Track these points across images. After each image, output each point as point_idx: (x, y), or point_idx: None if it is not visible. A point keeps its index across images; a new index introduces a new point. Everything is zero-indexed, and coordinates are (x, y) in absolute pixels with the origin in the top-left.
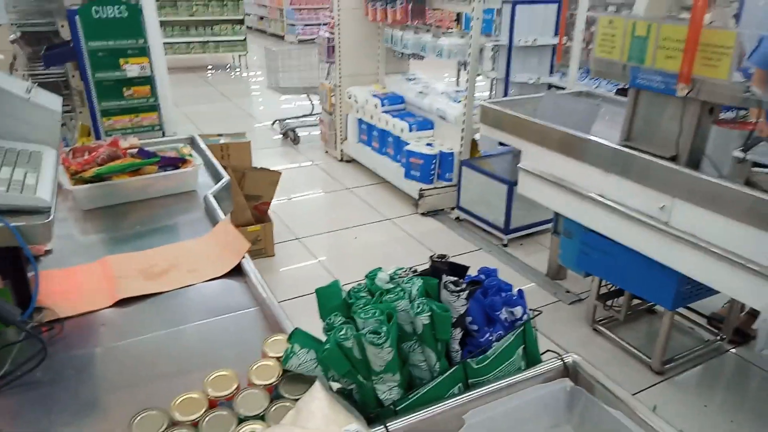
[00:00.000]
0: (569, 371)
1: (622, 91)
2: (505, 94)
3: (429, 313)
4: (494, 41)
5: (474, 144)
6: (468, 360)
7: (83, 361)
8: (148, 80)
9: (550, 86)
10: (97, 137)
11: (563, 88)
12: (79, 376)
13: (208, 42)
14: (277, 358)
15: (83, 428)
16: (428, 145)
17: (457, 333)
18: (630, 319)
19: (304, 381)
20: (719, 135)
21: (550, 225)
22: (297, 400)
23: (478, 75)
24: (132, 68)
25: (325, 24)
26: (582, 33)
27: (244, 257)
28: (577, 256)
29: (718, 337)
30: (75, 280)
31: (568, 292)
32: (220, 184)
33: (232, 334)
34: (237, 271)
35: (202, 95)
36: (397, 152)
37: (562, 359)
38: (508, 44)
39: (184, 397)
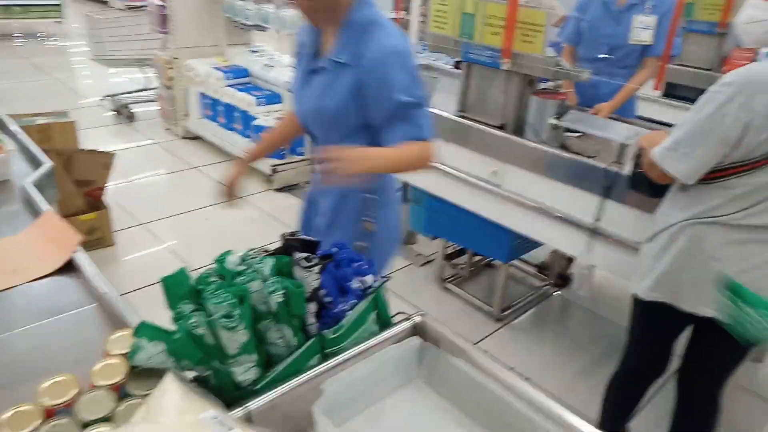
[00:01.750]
0: (418, 329)
1: (458, 65)
2: None
3: (283, 291)
4: None
5: None
6: (324, 331)
7: None
8: None
9: None
10: None
11: None
12: None
13: (12, 6)
14: (123, 355)
15: None
16: (278, 119)
17: (312, 307)
18: (473, 274)
19: (155, 375)
20: (538, 104)
21: (399, 193)
22: (148, 395)
23: None
24: None
25: None
26: (419, 8)
27: (75, 251)
28: (425, 221)
29: (546, 283)
30: None
31: (418, 255)
32: (39, 170)
33: (68, 336)
34: (70, 267)
35: (12, 69)
36: (246, 127)
37: (411, 319)
38: None
39: (14, 411)
